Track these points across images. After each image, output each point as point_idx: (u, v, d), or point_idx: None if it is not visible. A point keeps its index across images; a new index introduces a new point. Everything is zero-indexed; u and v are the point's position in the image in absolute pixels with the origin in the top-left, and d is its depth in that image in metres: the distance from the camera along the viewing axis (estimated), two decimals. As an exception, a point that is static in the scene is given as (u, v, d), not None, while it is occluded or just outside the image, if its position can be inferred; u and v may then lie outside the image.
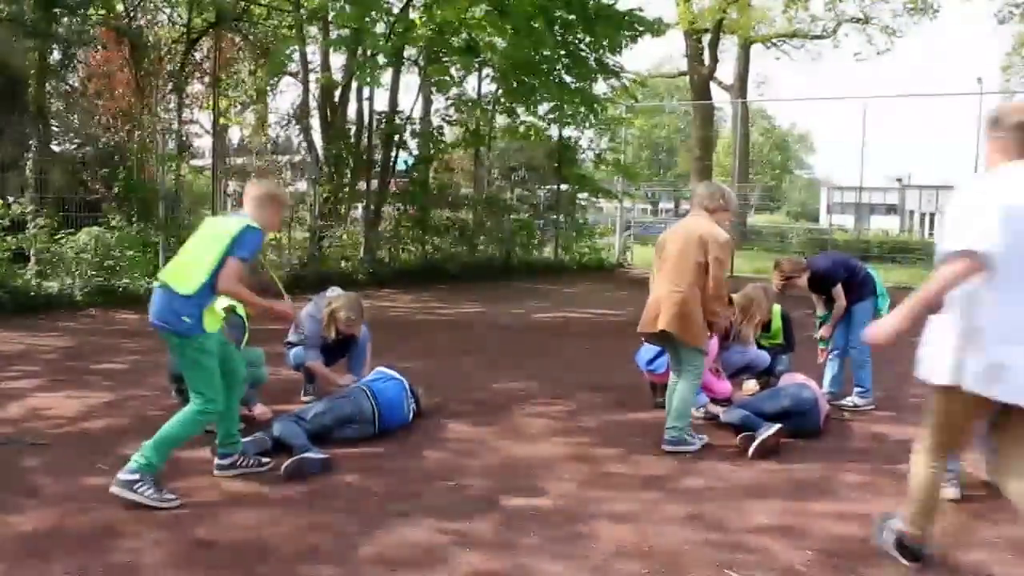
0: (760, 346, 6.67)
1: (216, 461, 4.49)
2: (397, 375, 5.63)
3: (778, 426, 5.12)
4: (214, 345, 4.20)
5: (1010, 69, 29.51)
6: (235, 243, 4.06)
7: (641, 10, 16.12)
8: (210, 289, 4.07)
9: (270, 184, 4.60)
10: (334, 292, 6.18)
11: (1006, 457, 3.26)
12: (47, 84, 12.98)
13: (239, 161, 17.19)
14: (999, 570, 3.57)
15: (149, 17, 15.26)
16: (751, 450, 5.03)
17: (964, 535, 3.75)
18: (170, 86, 13.88)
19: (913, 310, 3.12)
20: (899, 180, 49.97)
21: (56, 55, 13.93)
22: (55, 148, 13.43)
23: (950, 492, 4.28)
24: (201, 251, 4.14)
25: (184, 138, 14.19)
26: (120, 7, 13.76)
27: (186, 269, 4.13)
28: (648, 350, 6.11)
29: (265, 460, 4.61)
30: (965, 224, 3.02)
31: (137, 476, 3.96)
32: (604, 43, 16.36)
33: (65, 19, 13.22)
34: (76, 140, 14.11)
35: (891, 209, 48.58)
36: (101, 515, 3.90)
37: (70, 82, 15.05)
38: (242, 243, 4.08)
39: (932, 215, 43.89)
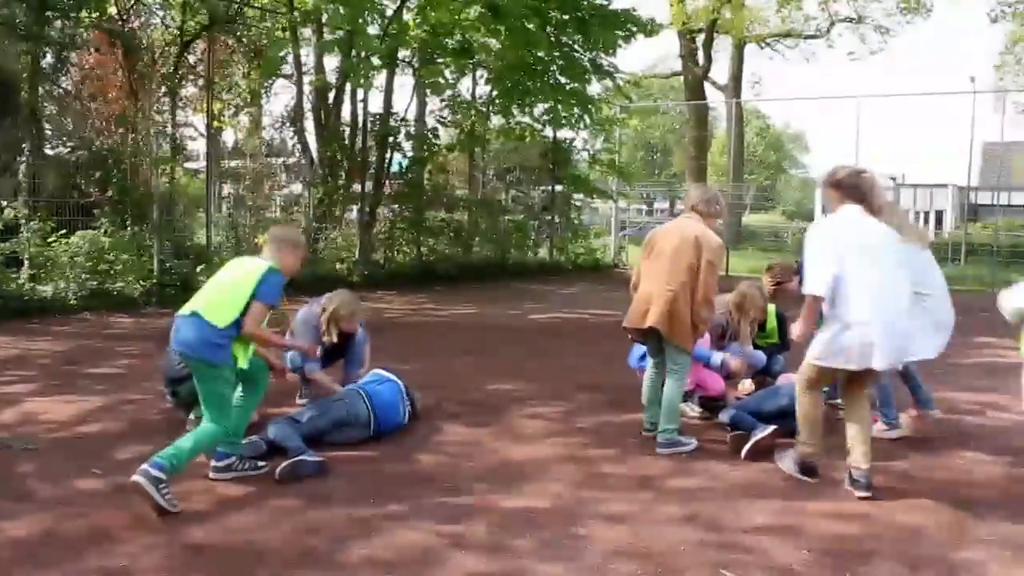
0: (756, 346, 6.67)
1: (212, 463, 4.48)
2: (393, 376, 5.62)
3: (772, 427, 5.11)
4: (233, 375, 4.37)
5: (1003, 68, 29.62)
6: (259, 286, 4.28)
7: (635, 10, 16.14)
8: (239, 326, 4.27)
9: (286, 229, 4.88)
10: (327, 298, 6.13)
11: (849, 406, 4.63)
12: (40, 87, 12.94)
13: (233, 164, 17.16)
14: (995, 568, 3.57)
15: (142, 20, 15.22)
16: (744, 450, 5.02)
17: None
18: (164, 89, 13.85)
19: (808, 321, 4.55)
20: (893, 179, 49.99)
21: (49, 58, 13.88)
22: (48, 151, 13.38)
23: (892, 434, 5.48)
24: (232, 290, 4.36)
25: (178, 141, 14.15)
26: (113, 10, 13.72)
27: (219, 304, 4.31)
28: (640, 348, 6.11)
29: (260, 463, 4.60)
30: (811, 270, 4.45)
31: (165, 477, 3.96)
32: (599, 44, 16.36)
33: (58, 22, 13.18)
34: (69, 143, 14.04)
35: (886, 208, 48.46)
36: (95, 520, 3.88)
37: (63, 85, 14.99)
38: (265, 287, 4.30)
39: (927, 214, 43.93)
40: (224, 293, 4.36)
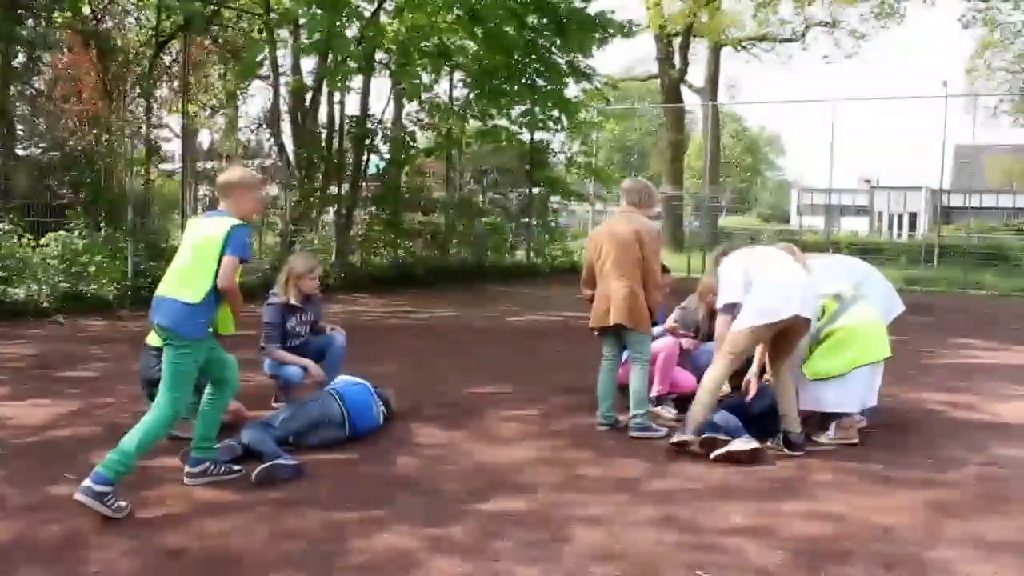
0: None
1: (186, 469, 4.44)
2: (360, 380, 5.61)
3: (756, 445, 5.06)
4: (204, 356, 4.26)
5: (974, 72, 30.00)
6: (226, 245, 4.17)
7: (612, 12, 16.20)
8: (215, 295, 4.19)
9: (234, 171, 4.59)
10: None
11: (775, 360, 5.33)
12: (11, 87, 12.80)
13: (209, 165, 17.07)
14: (968, 567, 3.61)
15: (116, 20, 15.08)
16: (715, 454, 4.98)
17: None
18: (138, 90, 13.73)
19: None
20: (868, 182, 50.54)
21: (21, 58, 13.73)
22: (20, 152, 13.24)
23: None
24: (198, 259, 4.23)
25: (153, 142, 14.03)
26: (87, 10, 13.58)
27: (188, 277, 4.22)
28: None
29: (236, 467, 4.57)
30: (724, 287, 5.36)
31: (109, 489, 3.89)
32: (576, 46, 16.39)
33: (30, 22, 13.04)
34: (42, 144, 13.92)
35: (860, 210, 49.12)
36: (68, 525, 3.84)
37: (35, 85, 14.84)
38: (232, 243, 4.18)
39: (901, 216, 44.45)
40: (188, 265, 4.26)
